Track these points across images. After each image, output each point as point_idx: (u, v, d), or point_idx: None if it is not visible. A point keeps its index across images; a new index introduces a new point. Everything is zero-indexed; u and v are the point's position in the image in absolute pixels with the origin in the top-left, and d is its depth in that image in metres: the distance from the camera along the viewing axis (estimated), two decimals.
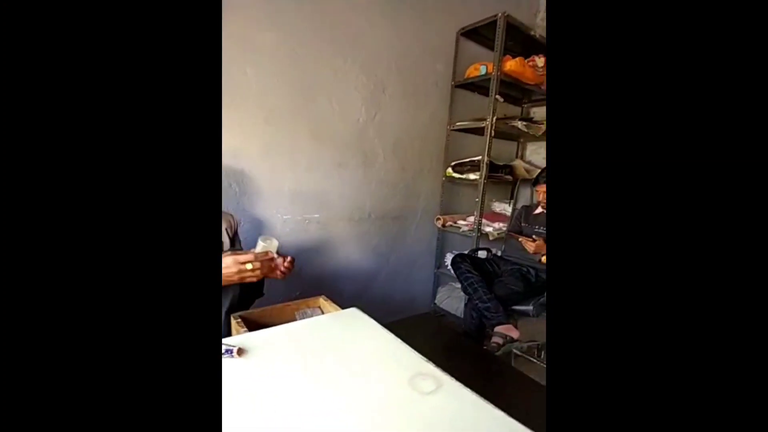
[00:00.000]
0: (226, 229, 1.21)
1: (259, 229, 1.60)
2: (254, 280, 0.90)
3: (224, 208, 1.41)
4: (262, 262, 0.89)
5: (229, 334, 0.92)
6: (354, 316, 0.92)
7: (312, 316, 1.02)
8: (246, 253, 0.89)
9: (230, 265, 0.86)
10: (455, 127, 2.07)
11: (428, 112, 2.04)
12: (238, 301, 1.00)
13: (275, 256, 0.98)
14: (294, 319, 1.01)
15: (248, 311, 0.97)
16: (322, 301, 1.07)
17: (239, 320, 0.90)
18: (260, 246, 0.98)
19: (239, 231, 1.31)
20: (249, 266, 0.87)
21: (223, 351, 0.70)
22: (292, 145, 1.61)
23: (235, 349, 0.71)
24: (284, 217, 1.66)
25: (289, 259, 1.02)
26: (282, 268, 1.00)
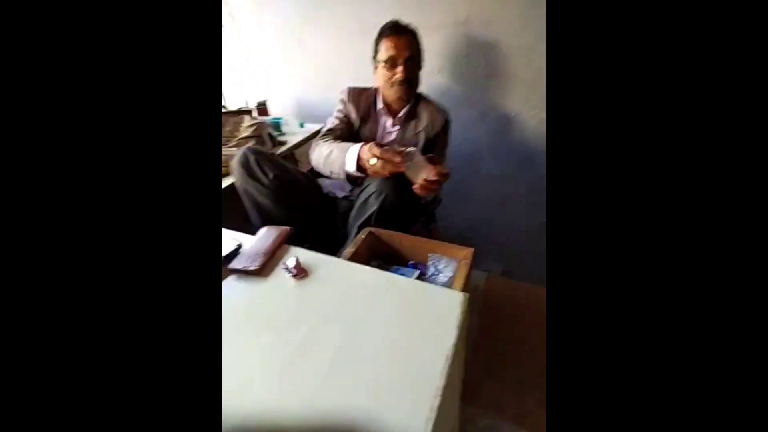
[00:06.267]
0: (426, 126, 1.01)
1: (506, 125, 1.23)
2: (384, 174, 0.81)
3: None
4: (383, 158, 0.79)
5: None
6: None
7: (441, 270, 0.74)
8: (379, 148, 0.81)
9: (366, 150, 0.83)
10: None
11: None
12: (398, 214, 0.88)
13: (414, 157, 0.78)
14: (425, 262, 0.78)
15: (382, 230, 0.83)
16: (466, 254, 0.73)
17: (366, 236, 0.80)
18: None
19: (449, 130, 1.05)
20: (372, 161, 0.80)
21: (282, 266, 0.66)
22: None
23: (293, 268, 0.64)
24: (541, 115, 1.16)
25: (438, 170, 0.77)
26: (422, 180, 0.77)
